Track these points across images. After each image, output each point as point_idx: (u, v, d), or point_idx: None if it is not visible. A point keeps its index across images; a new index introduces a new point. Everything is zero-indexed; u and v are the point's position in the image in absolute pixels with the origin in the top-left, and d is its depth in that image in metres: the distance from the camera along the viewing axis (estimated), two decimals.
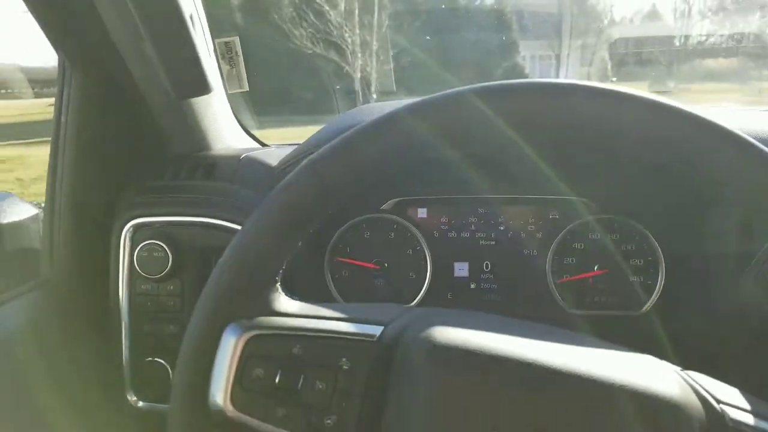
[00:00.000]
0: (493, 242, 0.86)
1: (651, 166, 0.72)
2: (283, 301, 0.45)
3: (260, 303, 0.43)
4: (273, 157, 0.88)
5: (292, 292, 0.70)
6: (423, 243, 0.87)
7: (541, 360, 0.39)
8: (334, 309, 0.46)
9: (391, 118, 0.43)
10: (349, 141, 0.43)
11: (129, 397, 0.80)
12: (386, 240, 0.88)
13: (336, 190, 0.43)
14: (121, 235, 0.80)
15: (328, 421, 0.40)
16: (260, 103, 1.27)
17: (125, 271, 0.79)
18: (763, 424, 0.37)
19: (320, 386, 0.41)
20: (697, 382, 0.40)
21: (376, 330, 0.43)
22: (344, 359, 0.41)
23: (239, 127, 1.06)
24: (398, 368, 0.41)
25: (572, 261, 0.83)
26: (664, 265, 0.80)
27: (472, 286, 0.86)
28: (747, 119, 0.78)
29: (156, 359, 0.78)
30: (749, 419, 0.37)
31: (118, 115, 0.83)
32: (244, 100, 1.18)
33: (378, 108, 0.90)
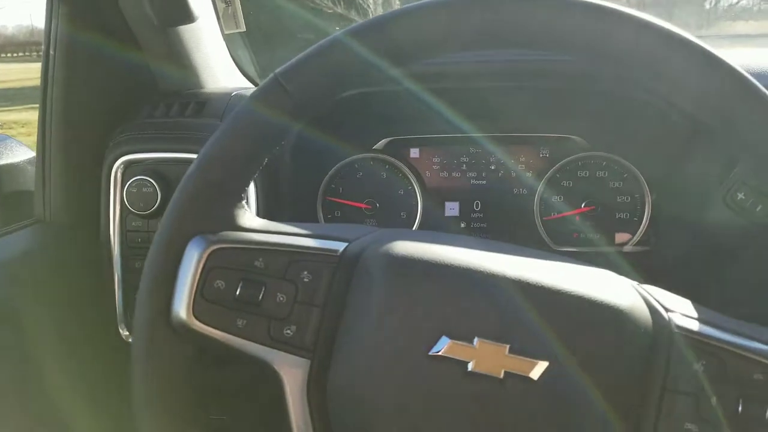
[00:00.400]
0: (484, 181, 0.87)
1: (637, 103, 0.72)
2: (249, 217, 0.45)
3: (224, 217, 0.43)
4: None
5: None
6: (414, 183, 0.87)
7: (491, 269, 0.40)
8: (300, 227, 0.46)
9: (352, 32, 0.42)
10: (312, 53, 0.43)
11: (121, 332, 0.81)
12: (378, 180, 0.88)
13: (302, 102, 0.43)
14: (112, 171, 0.80)
15: (288, 332, 0.41)
16: (264, 50, 1.25)
17: (116, 208, 0.80)
18: (705, 329, 0.39)
19: (281, 298, 0.41)
20: (649, 293, 0.41)
21: (339, 246, 0.43)
22: (305, 272, 0.42)
23: (236, 69, 1.05)
24: (357, 281, 0.41)
25: (560, 199, 0.84)
26: (650, 201, 0.81)
27: (463, 225, 0.87)
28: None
29: None
30: (694, 325, 0.39)
31: (108, 50, 0.82)
32: (243, 42, 1.17)
33: None
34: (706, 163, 0.70)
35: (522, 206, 0.85)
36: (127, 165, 0.80)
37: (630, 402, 0.38)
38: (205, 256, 0.41)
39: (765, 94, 0.37)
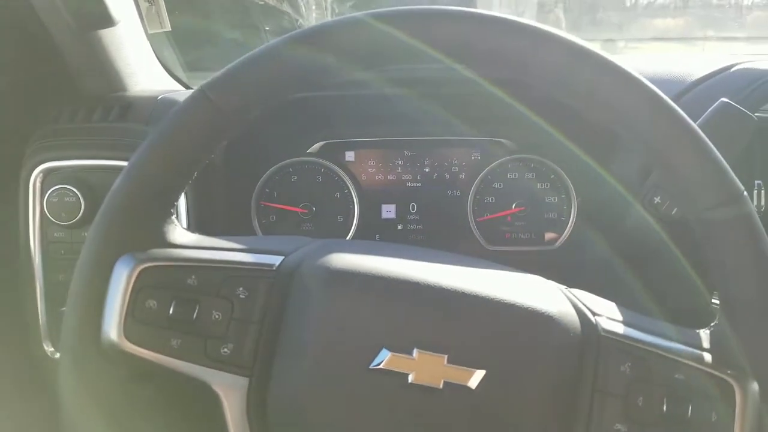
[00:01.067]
0: (419, 184, 0.88)
1: (560, 107, 0.75)
2: (179, 233, 0.44)
3: (154, 234, 0.42)
4: None
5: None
6: (350, 186, 0.87)
7: (426, 279, 0.40)
8: (234, 241, 0.45)
9: (279, 44, 0.42)
10: (238, 67, 0.42)
11: (45, 348, 0.77)
12: (313, 184, 0.88)
13: (229, 115, 0.42)
14: (30, 180, 0.75)
15: (225, 350, 0.40)
16: (191, 49, 1.21)
17: (36, 219, 0.76)
18: (630, 332, 0.41)
19: (216, 316, 0.40)
20: (577, 298, 0.43)
21: (275, 260, 0.43)
22: (241, 288, 0.41)
23: (162, 70, 1.01)
24: (294, 295, 0.41)
25: (492, 200, 0.86)
26: (576, 202, 0.85)
27: (399, 227, 0.88)
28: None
29: None
30: (619, 328, 0.41)
31: (24, 53, 0.77)
32: (169, 42, 1.13)
33: None
34: (625, 166, 0.74)
35: (456, 208, 0.87)
36: (47, 173, 0.76)
37: (562, 404, 0.39)
38: (134, 275, 0.40)
39: (667, 103, 0.39)
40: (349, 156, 0.89)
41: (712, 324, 0.41)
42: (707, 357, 0.40)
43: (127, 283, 0.40)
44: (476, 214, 0.86)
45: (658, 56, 0.83)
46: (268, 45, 0.43)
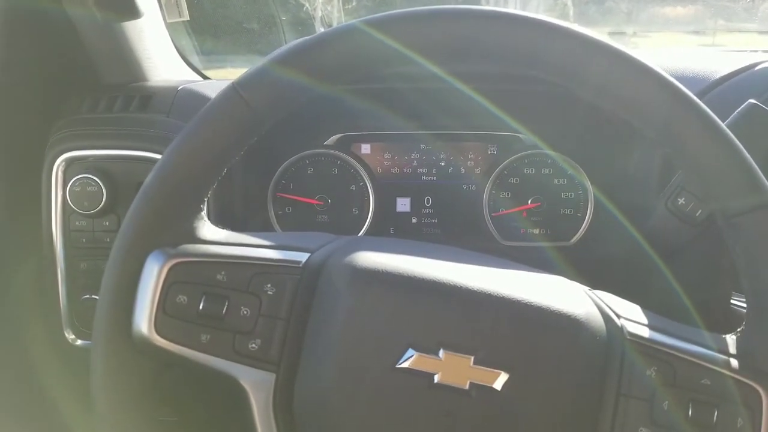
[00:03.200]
0: (435, 177, 0.88)
1: (580, 103, 0.75)
2: (209, 229, 0.45)
3: (184, 230, 0.43)
4: (212, 89, 0.86)
5: (233, 229, 0.70)
6: (366, 179, 0.88)
7: (453, 279, 0.41)
8: (262, 237, 0.45)
9: (314, 42, 0.42)
10: (271, 62, 0.42)
11: (67, 335, 0.79)
12: (329, 176, 0.88)
13: (260, 113, 0.42)
14: (53, 169, 0.76)
15: (253, 346, 0.41)
16: (208, 38, 1.22)
17: (58, 208, 0.77)
18: (656, 336, 0.41)
19: (245, 312, 0.41)
20: (601, 300, 0.43)
21: (302, 257, 0.43)
22: (269, 285, 0.42)
23: (180, 59, 1.02)
24: (321, 292, 0.42)
25: (507, 195, 0.86)
26: (593, 198, 0.85)
27: (414, 220, 0.89)
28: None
29: (93, 296, 0.77)
30: (645, 332, 0.41)
31: (48, 43, 0.78)
32: (187, 31, 1.13)
33: None
34: (646, 165, 0.74)
35: (471, 202, 0.87)
36: (69, 162, 0.77)
37: (587, 408, 0.40)
38: (165, 271, 0.41)
39: (696, 103, 0.39)
40: (365, 149, 0.89)
41: (738, 329, 0.42)
42: (734, 362, 0.40)
43: (159, 278, 0.40)
44: (491, 208, 0.87)
45: (677, 51, 0.82)
46: (291, 44, 0.43)
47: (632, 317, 0.42)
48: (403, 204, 0.89)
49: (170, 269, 0.41)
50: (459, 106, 0.80)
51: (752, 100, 0.58)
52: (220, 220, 0.81)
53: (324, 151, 0.88)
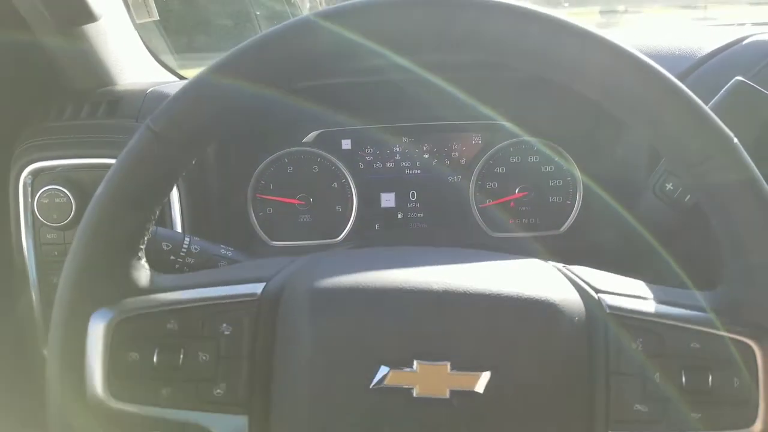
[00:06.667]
0: (419, 171, 0.86)
1: (564, 90, 0.73)
2: (150, 276, 0.42)
3: (124, 283, 0.40)
4: None
5: (213, 235, 0.67)
6: (348, 175, 0.85)
7: (415, 284, 0.39)
8: (208, 275, 0.43)
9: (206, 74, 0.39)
10: (179, 97, 0.39)
11: (43, 351, 0.76)
12: (310, 174, 0.85)
13: (178, 148, 0.39)
14: (19, 181, 0.74)
15: (218, 391, 0.39)
16: (181, 37, 1.19)
17: (28, 221, 0.74)
18: (637, 305, 0.39)
19: (203, 357, 0.39)
20: (576, 275, 0.41)
21: (256, 288, 0.41)
22: (224, 324, 0.39)
23: (152, 60, 0.99)
24: (282, 323, 0.39)
25: (494, 185, 0.84)
26: (581, 184, 0.82)
27: (399, 215, 0.86)
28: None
29: None
30: (625, 303, 0.39)
31: (8, 51, 0.75)
32: (159, 31, 1.10)
33: None
34: (633, 151, 0.72)
35: (457, 194, 0.85)
36: (36, 173, 0.74)
37: (579, 393, 0.37)
38: (110, 330, 0.38)
39: (673, 84, 0.37)
40: (346, 144, 0.86)
41: (721, 285, 0.40)
42: (721, 320, 0.38)
43: (105, 340, 0.38)
44: (478, 200, 0.84)
45: (664, 28, 0.80)
46: (199, 73, 0.40)
47: (610, 289, 0.40)
48: (388, 199, 0.86)
49: (116, 327, 0.38)
50: (436, 98, 0.77)
51: (739, 77, 0.55)
52: (197, 230, 0.79)
53: (303, 149, 0.85)
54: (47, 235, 0.74)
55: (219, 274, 0.43)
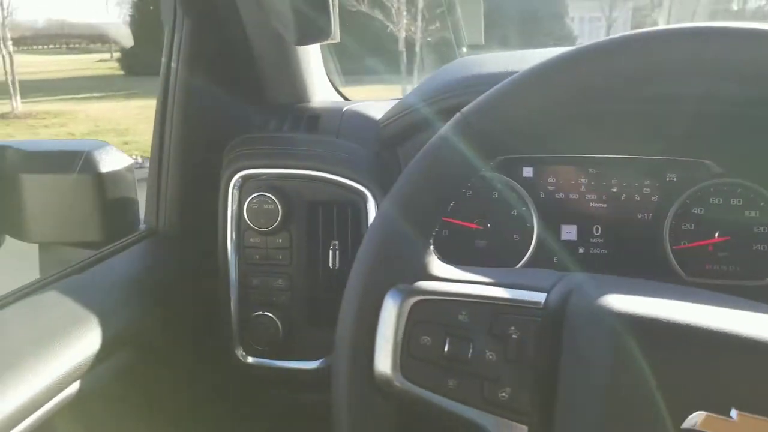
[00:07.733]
0: (605, 205, 0.83)
1: None
2: (439, 265, 0.43)
3: (418, 267, 0.41)
4: (375, 110, 0.86)
5: None
6: (529, 203, 0.84)
7: (741, 330, 0.36)
8: (489, 275, 0.43)
9: (551, 66, 0.39)
10: (504, 92, 0.40)
11: (237, 352, 0.80)
12: (490, 200, 0.85)
13: (490, 145, 0.40)
14: (230, 186, 0.79)
15: (503, 395, 0.38)
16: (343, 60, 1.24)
17: (234, 224, 0.78)
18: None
19: (490, 356, 0.39)
20: None
21: (539, 297, 0.40)
22: (512, 327, 0.39)
23: (327, 80, 1.04)
24: (571, 337, 0.38)
25: (690, 227, 0.79)
26: None
27: (581, 250, 0.84)
28: None
29: (265, 313, 0.78)
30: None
31: (226, 63, 0.81)
32: (330, 53, 1.15)
33: (479, 61, 0.86)
34: None
35: (648, 233, 0.81)
36: (245, 179, 0.79)
37: None
38: (407, 309, 0.39)
39: None
40: (527, 172, 0.85)
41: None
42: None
43: (401, 317, 0.39)
44: (673, 241, 0.80)
45: None
46: (532, 69, 0.40)
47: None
48: (569, 232, 0.84)
49: (411, 308, 0.39)
50: (635, 129, 0.75)
51: None
52: None
53: (484, 174, 0.85)
54: (251, 239, 0.78)
55: (501, 274, 0.43)
